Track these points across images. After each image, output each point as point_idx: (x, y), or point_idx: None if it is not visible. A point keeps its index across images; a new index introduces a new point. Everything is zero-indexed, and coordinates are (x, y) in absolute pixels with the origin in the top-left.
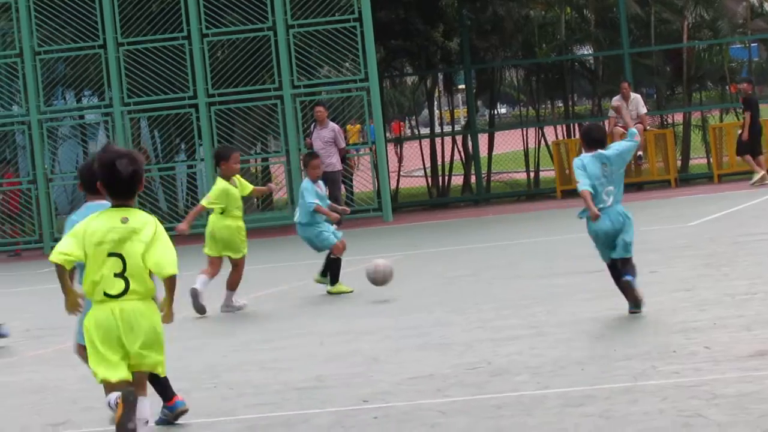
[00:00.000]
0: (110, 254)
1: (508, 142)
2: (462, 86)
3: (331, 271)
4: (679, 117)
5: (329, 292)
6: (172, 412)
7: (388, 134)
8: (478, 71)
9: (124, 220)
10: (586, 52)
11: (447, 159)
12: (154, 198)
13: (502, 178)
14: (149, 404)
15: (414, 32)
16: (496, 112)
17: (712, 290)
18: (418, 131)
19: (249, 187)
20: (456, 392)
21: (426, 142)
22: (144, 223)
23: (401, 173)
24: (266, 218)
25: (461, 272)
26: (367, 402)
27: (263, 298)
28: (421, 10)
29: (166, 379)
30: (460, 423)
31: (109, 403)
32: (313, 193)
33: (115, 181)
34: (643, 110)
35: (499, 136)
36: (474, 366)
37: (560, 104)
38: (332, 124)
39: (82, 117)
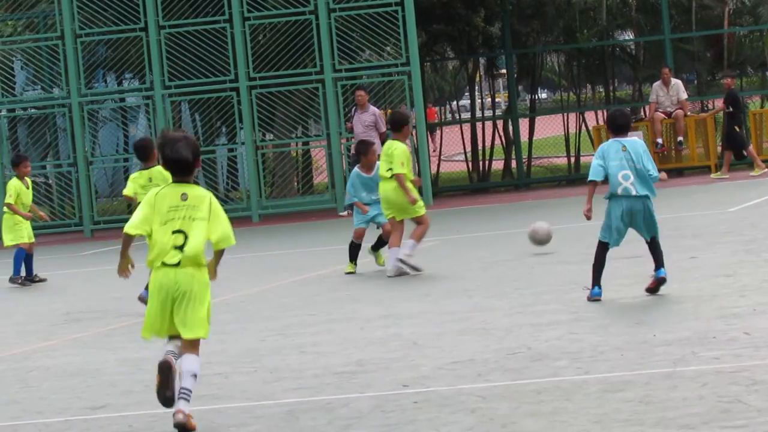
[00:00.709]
0: (174, 232)
1: (549, 127)
2: (503, 71)
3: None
4: (719, 103)
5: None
6: None
7: None
8: (519, 56)
9: (184, 197)
10: (627, 38)
11: (488, 144)
12: (195, 181)
13: (543, 163)
14: (199, 361)
15: (455, 17)
16: (536, 97)
17: (752, 276)
18: (459, 116)
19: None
20: (496, 377)
21: (467, 127)
22: (201, 199)
23: (442, 158)
24: (307, 202)
25: (502, 257)
26: (407, 387)
27: (303, 282)
28: None
29: None
30: (500, 408)
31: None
32: (349, 184)
33: (175, 161)
34: (684, 96)
35: (539, 121)
36: (514, 351)
37: (601, 89)
38: (373, 108)
39: (122, 100)
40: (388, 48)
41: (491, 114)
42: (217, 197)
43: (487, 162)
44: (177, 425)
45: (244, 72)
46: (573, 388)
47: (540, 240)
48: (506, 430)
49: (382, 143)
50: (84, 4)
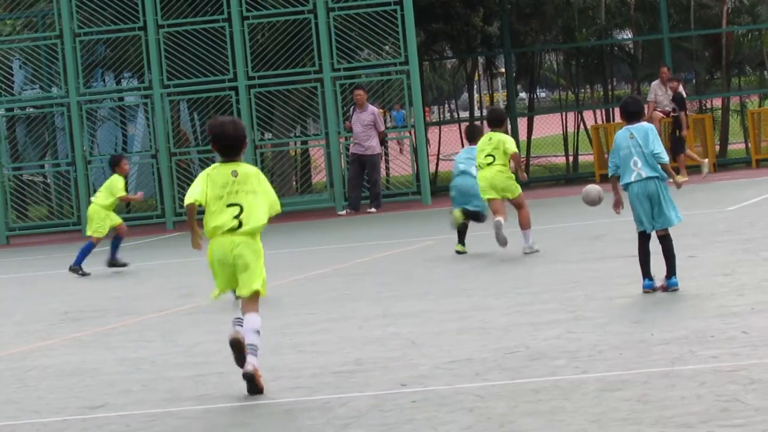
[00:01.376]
0: (229, 205)
1: (547, 126)
2: (502, 70)
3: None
4: (717, 102)
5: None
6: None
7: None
8: (517, 55)
9: (234, 174)
10: (625, 37)
11: None
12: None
13: (541, 162)
14: (259, 317)
15: (454, 16)
16: (535, 96)
17: (750, 275)
18: (458, 114)
19: None
20: (494, 376)
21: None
22: (249, 175)
23: (440, 157)
24: (305, 201)
25: (500, 256)
26: (405, 386)
27: (302, 281)
28: None
29: None
30: (499, 407)
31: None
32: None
33: (224, 142)
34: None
35: (538, 120)
36: (512, 350)
37: (599, 88)
38: (372, 107)
39: (121, 99)
40: (386, 47)
41: None
42: None
43: None
44: (244, 375)
45: (242, 71)
46: (571, 387)
47: (592, 200)
48: (504, 430)
49: (381, 142)
50: (83, 4)
